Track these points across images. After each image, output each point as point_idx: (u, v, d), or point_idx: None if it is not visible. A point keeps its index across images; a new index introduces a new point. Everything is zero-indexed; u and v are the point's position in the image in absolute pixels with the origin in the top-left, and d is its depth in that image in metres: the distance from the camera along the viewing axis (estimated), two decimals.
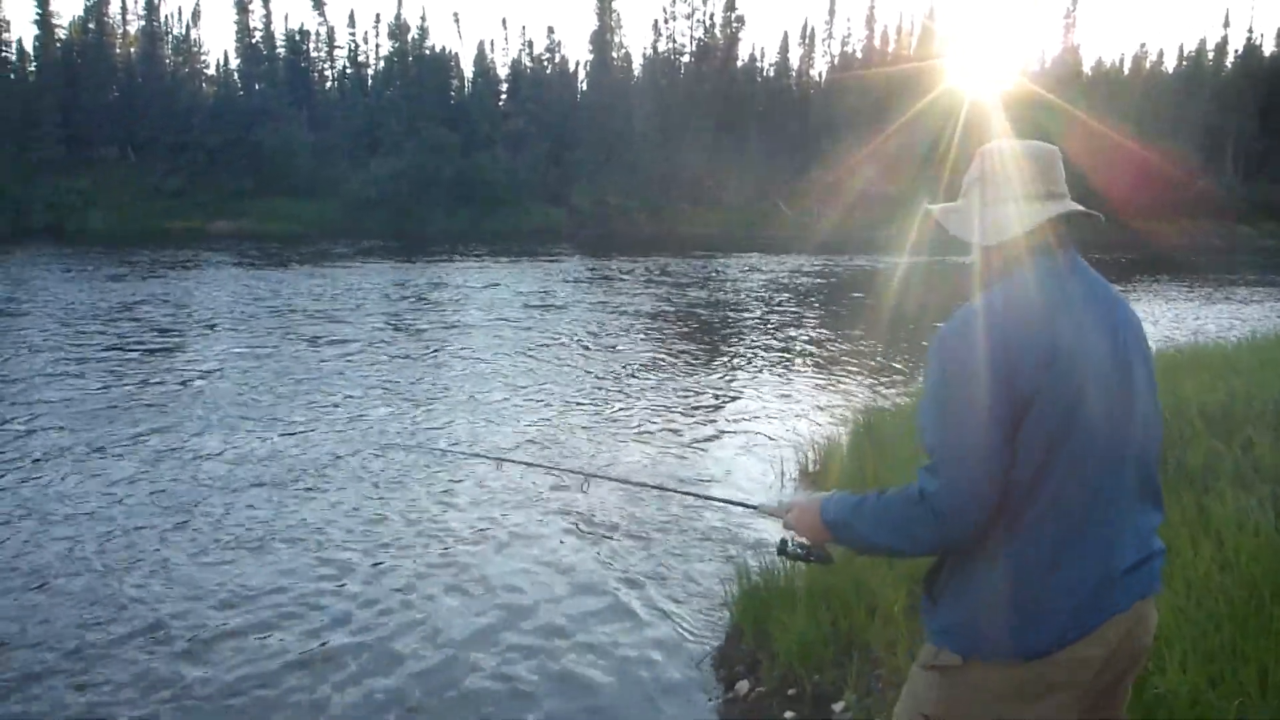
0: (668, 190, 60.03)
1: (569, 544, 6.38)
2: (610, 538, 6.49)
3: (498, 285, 24.68)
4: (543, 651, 4.92)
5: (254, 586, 5.67)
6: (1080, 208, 1.98)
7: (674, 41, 70.71)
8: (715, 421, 10.12)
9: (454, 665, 4.77)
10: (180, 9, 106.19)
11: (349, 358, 13.58)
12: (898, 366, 13.52)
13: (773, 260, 35.84)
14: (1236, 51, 74.16)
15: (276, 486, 7.59)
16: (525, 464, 7.95)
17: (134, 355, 13.47)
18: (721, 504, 6.59)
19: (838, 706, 3.92)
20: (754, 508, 2.72)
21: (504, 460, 7.94)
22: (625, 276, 27.97)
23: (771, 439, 9.30)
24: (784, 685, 4.19)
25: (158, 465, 8.12)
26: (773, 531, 6.33)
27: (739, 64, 70.95)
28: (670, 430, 9.64)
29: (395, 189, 50.96)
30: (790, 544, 2.29)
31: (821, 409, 10.75)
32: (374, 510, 7.05)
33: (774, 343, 15.92)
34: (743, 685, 4.38)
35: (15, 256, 31.04)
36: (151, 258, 29.82)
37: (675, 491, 7.11)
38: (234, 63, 64.41)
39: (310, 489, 7.56)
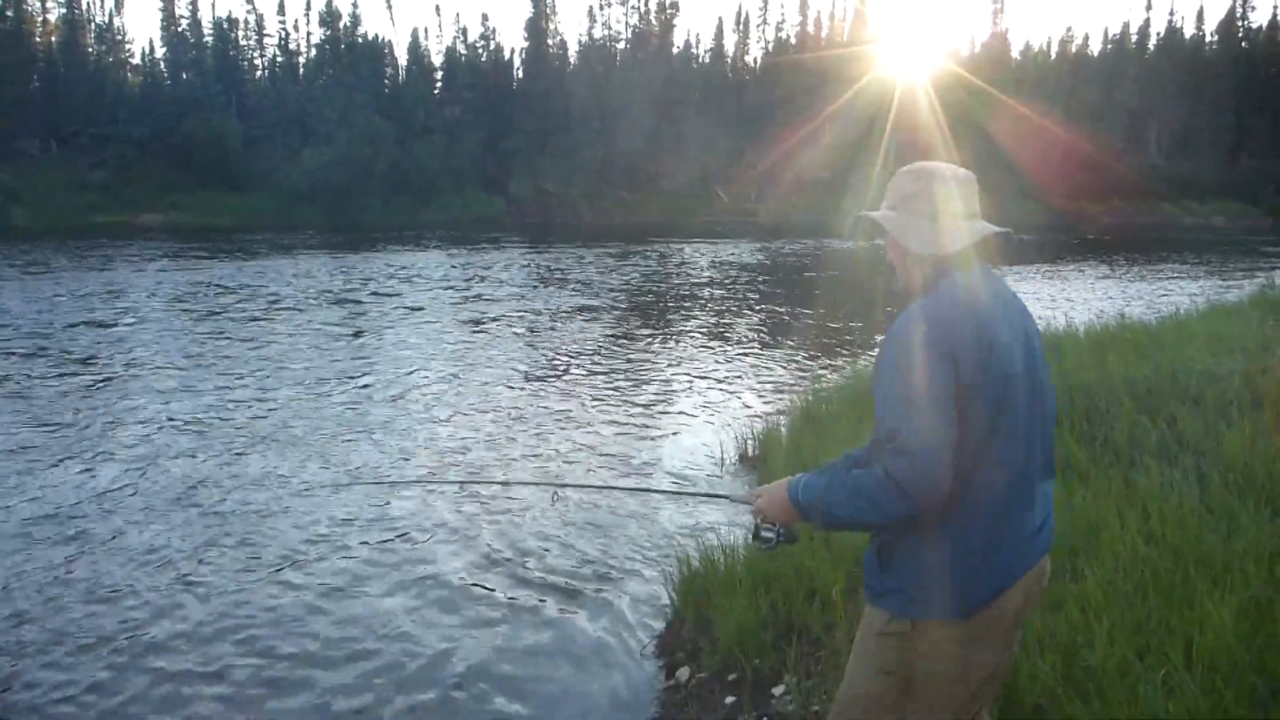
0: (606, 177, 59.94)
1: (503, 542, 6.33)
2: (545, 533, 6.44)
3: (439, 277, 24.42)
4: (484, 645, 4.87)
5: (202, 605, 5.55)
6: (996, 229, 2.30)
7: (609, 28, 70.71)
8: (656, 410, 10.10)
9: (391, 660, 4.71)
10: None
11: (277, 362, 13.32)
12: (835, 348, 13.64)
13: (714, 247, 35.95)
14: (1158, 34, 76.18)
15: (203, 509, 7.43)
16: (455, 483, 7.55)
17: (52, 357, 13.08)
18: (696, 497, 7.02)
19: (778, 690, 3.93)
20: (724, 497, 3.68)
21: (467, 483, 7.48)
22: (568, 265, 27.83)
23: (712, 425, 9.31)
24: (725, 670, 4.19)
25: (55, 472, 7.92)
26: (714, 519, 6.38)
27: (675, 50, 71.03)
28: (611, 420, 9.61)
29: (329, 180, 49.80)
30: (761, 529, 2.46)
31: (762, 393, 10.82)
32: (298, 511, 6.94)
33: (715, 330, 15.98)
34: (684, 672, 4.38)
35: None
36: (77, 253, 28.93)
37: (648, 491, 7.04)
38: (159, 51, 62.67)
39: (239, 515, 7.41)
